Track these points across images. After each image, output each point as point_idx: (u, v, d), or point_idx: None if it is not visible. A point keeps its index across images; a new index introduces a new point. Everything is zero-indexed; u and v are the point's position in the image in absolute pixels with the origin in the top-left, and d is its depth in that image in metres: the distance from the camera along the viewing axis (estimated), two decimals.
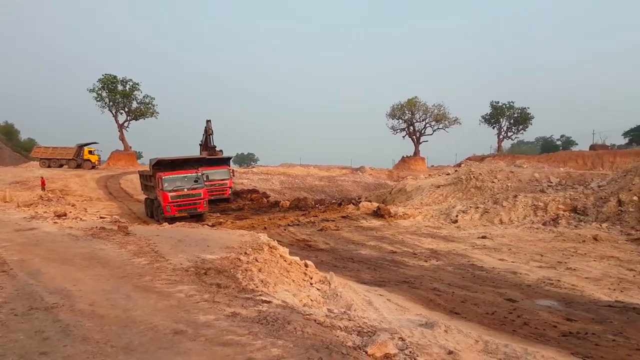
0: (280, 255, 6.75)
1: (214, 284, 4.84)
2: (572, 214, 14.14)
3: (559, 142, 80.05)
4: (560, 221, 13.66)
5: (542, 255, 9.82)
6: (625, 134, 59.99)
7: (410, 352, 3.46)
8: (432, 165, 55.64)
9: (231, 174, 24.51)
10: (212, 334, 3.27)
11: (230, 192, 24.07)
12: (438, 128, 57.29)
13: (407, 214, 16.78)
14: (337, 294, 5.88)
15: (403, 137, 58.72)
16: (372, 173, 44.04)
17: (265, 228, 14.37)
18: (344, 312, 4.86)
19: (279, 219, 16.71)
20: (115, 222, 10.49)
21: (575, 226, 13.18)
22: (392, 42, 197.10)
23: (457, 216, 15.76)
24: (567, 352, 4.24)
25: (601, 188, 15.34)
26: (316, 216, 17.31)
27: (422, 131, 58.07)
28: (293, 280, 6.08)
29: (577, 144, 70.99)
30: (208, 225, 14.50)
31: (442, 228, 14.58)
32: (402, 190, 22.76)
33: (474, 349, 3.98)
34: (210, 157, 24.64)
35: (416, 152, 57.20)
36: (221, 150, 28.39)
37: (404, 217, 16.41)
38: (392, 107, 57.55)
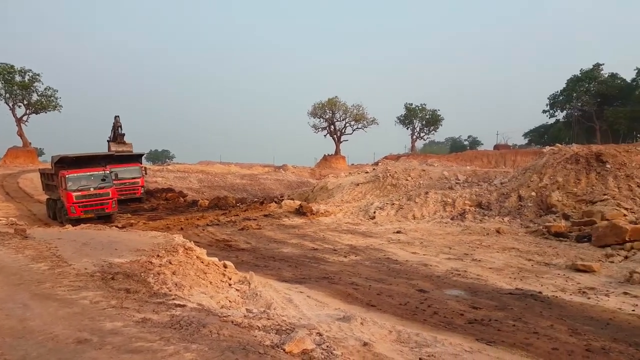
0: (197, 257, 6.53)
1: (122, 289, 4.56)
2: (477, 209, 15.20)
3: (466, 142, 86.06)
4: (467, 216, 14.63)
5: (450, 248, 10.47)
6: (525, 135, 65.93)
7: (327, 346, 3.51)
8: (353, 164, 57.13)
9: (143, 172, 23.33)
10: (120, 341, 3.07)
11: (142, 192, 22.94)
12: (357, 128, 58.93)
13: (328, 212, 17.06)
14: (256, 294, 5.81)
15: (324, 135, 59.65)
16: (294, 171, 44.21)
17: (181, 229, 13.85)
18: (264, 311, 4.81)
19: (197, 219, 16.20)
20: (12, 224, 9.53)
21: (481, 220, 14.18)
22: (317, 41, 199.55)
23: (374, 212, 16.30)
24: (473, 338, 4.54)
25: (503, 185, 16.66)
26: (237, 215, 17.02)
27: (343, 130, 59.38)
28: (210, 282, 5.91)
29: (482, 144, 76.82)
30: (117, 227, 13.68)
31: (361, 224, 15.00)
32: (323, 188, 23.09)
33: (387, 339, 4.13)
34: (119, 154, 23.28)
35: (337, 151, 58.39)
36: (131, 144, 27.01)
37: (326, 215, 16.66)
38: (314, 105, 58.18)
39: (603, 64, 50.63)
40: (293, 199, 20.96)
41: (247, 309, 4.87)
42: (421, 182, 19.97)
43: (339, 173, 29.97)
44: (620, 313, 5.76)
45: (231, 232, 13.59)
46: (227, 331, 3.51)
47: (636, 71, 47.35)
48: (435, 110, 62.72)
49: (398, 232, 12.97)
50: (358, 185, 21.25)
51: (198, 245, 7.09)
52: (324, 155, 57.50)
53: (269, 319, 4.31)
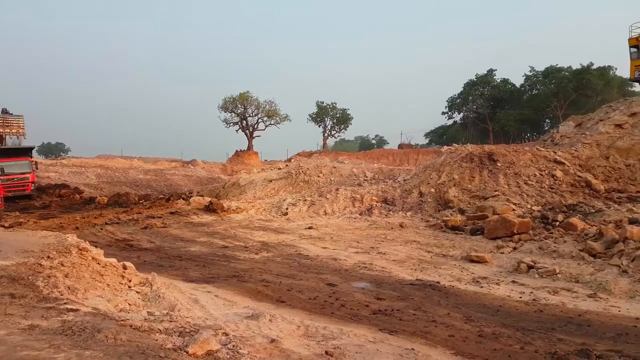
0: (93, 258, 6.03)
1: (6, 294, 4.08)
2: (383, 205, 15.88)
3: (374, 141, 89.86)
4: (373, 211, 15.21)
5: (358, 242, 10.81)
6: (426, 135, 70.36)
7: (233, 345, 3.42)
8: (266, 160, 56.88)
9: (34, 166, 21.29)
10: (2, 351, 2.73)
11: (33, 188, 20.91)
12: (270, 124, 58.70)
13: (240, 208, 16.79)
14: (159, 296, 5.50)
15: (236, 131, 58.65)
16: (204, 167, 42.88)
17: (77, 228, 12.78)
18: (167, 313, 4.59)
19: (95, 217, 15.06)
20: None
21: (386, 215, 14.82)
22: (229, 33, 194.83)
23: (287, 209, 16.35)
24: (377, 328, 4.71)
25: (406, 182, 17.58)
26: (140, 213, 16.10)
27: (255, 126, 58.80)
28: (108, 285, 5.49)
29: (388, 143, 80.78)
30: (4, 226, 12.28)
31: (274, 221, 14.96)
32: (235, 184, 22.69)
33: (295, 334, 4.13)
34: (6, 147, 21.04)
35: (250, 147, 57.74)
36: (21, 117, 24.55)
37: (237, 211, 16.37)
38: (224, 99, 56.92)
39: (496, 70, 55.62)
40: (202, 196, 20.34)
41: (148, 312, 4.61)
42: (332, 178, 20.40)
43: (251, 169, 29.65)
44: (509, 300, 6.33)
45: (133, 231, 12.81)
46: (124, 336, 3.28)
47: (524, 77, 52.63)
48: (346, 109, 64.56)
49: (310, 227, 13.12)
50: (271, 181, 21.17)
51: (95, 246, 6.57)
52: (236, 150, 56.59)
53: (171, 321, 4.11)
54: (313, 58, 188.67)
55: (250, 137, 58.08)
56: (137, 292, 5.62)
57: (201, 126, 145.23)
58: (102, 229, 12.91)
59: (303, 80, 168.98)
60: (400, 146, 57.54)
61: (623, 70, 33.70)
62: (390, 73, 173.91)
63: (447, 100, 58.52)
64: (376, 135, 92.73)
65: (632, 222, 10.12)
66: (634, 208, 12.24)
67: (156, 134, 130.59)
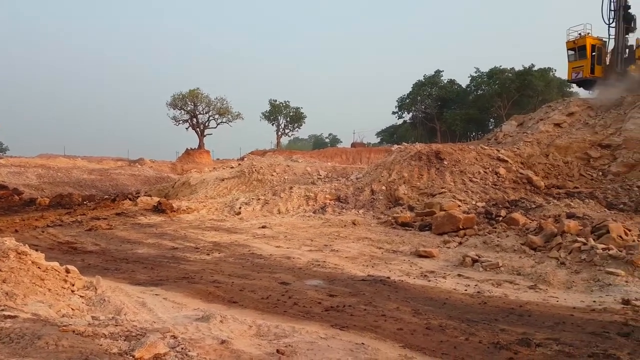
0: (33, 262, 5.71)
1: None
2: (336, 203, 16.05)
3: (327, 140, 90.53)
4: (327, 209, 15.34)
5: (312, 240, 10.86)
6: (378, 134, 71.78)
7: (182, 348, 3.36)
8: (218, 159, 55.96)
9: None
10: None
11: None
12: (222, 122, 57.73)
13: (190, 208, 16.43)
14: (104, 300, 5.30)
15: (186, 128, 57.28)
16: (152, 166, 41.55)
17: (16, 231, 12.05)
18: (112, 317, 4.43)
19: (36, 220, 14.25)
20: None
21: (339, 213, 14.98)
22: (176, 28, 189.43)
23: (240, 208, 16.17)
24: (328, 325, 4.76)
25: (359, 180, 17.85)
26: (84, 214, 15.41)
27: (206, 124, 57.65)
28: (49, 289, 5.22)
29: (342, 142, 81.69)
30: None
31: (226, 220, 14.75)
32: (186, 183, 22.18)
33: (247, 334, 4.10)
34: None
35: (201, 145, 56.55)
36: None
37: (188, 212, 16.01)
38: (173, 96, 55.40)
39: (443, 71, 57.47)
40: (150, 196, 19.75)
41: (92, 317, 4.43)
42: (286, 177, 20.37)
43: (202, 168, 29.05)
44: (455, 293, 6.57)
45: (77, 233, 12.23)
46: (67, 342, 3.15)
47: (470, 78, 54.70)
48: (299, 108, 64.62)
49: (263, 226, 13.03)
50: (223, 180, 20.86)
51: (36, 249, 6.20)
52: (187, 149, 55.21)
53: (117, 325, 3.97)
54: (269, 56, 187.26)
55: (201, 136, 56.84)
56: (80, 296, 5.39)
57: (149, 124, 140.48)
58: (43, 232, 12.24)
59: (256, 78, 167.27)
60: (353, 145, 58.33)
61: (562, 71, 35.70)
62: (345, 73, 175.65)
63: (397, 100, 59.85)
64: (330, 134, 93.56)
65: (569, 216, 10.79)
66: (571, 203, 13.05)
67: (101, 132, 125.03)
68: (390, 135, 66.98)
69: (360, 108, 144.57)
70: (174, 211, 15.77)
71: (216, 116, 56.81)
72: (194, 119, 56.52)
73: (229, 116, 56.98)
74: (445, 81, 56.95)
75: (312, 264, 8.34)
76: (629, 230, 8.83)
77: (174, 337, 3.56)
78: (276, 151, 48.23)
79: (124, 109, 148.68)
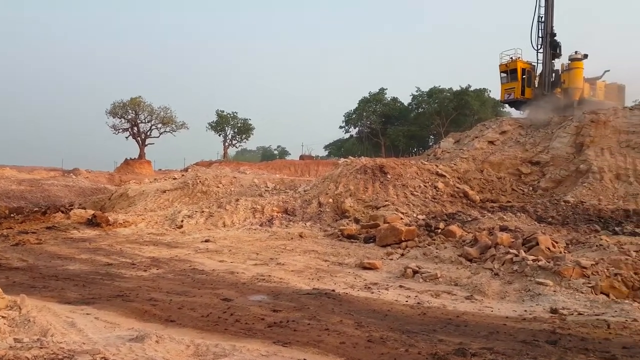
0: None
1: None
2: (284, 215, 15.98)
3: (276, 152, 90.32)
4: (274, 222, 15.23)
5: (257, 254, 10.71)
6: (326, 147, 72.65)
7: None
8: (160, 169, 54.19)
9: None
10: None
11: None
12: (165, 131, 56.07)
13: (128, 222, 15.72)
14: (29, 320, 4.92)
15: (126, 138, 55.09)
16: (88, 176, 39.45)
17: None
18: (37, 339, 4.13)
19: None
20: None
21: (286, 226, 14.91)
22: (115, 34, 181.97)
23: (182, 221, 15.69)
24: (271, 342, 4.68)
25: (306, 192, 17.90)
26: (11, 228, 14.35)
27: (148, 133, 55.75)
28: None
29: (290, 154, 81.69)
30: None
31: (167, 234, 14.24)
32: (123, 195, 21.22)
33: (184, 355, 3.95)
34: None
35: (141, 155, 54.51)
36: None
37: (125, 225, 15.30)
38: (113, 104, 53.21)
39: (387, 89, 59.50)
40: (85, 208, 18.70)
41: (15, 339, 4.12)
42: (232, 189, 20.04)
43: (143, 179, 27.98)
44: (397, 304, 6.69)
45: (1, 248, 11.34)
46: None
47: (411, 97, 57.00)
48: (247, 119, 64.19)
49: (207, 240, 12.69)
50: (165, 192, 20.17)
51: None
52: (126, 159, 52.99)
53: (42, 347, 3.71)
54: (218, 66, 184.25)
55: (142, 145, 54.80)
56: (2, 317, 4.97)
57: (86, 132, 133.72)
58: None
59: (203, 88, 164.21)
60: (302, 157, 58.60)
61: (496, 92, 37.83)
62: (294, 85, 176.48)
63: (344, 115, 61.18)
64: (278, 146, 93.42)
65: (502, 229, 11.39)
66: (504, 216, 13.77)
67: (33, 139, 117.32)
68: (337, 149, 68.02)
69: (310, 121, 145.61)
70: (110, 225, 15.03)
71: (159, 125, 55.11)
72: (135, 128, 54.48)
73: (173, 125, 55.46)
74: (389, 99, 59.01)
75: (257, 279, 8.21)
76: (556, 243, 9.42)
77: (105, 359, 3.37)
78: (223, 162, 47.39)
79: (58, 116, 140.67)
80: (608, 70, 26.28)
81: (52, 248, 11.57)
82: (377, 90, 58.88)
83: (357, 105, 59.43)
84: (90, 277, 8.38)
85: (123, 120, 53.95)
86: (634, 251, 8.69)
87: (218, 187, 20.06)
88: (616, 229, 12.49)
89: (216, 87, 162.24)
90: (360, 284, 7.94)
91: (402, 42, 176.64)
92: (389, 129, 55.84)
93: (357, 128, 61.61)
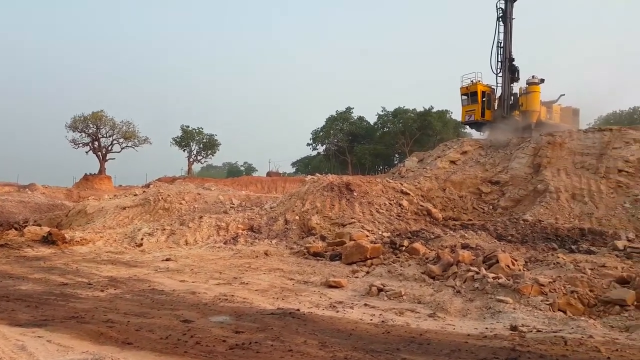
0: None
1: None
2: (249, 232, 15.79)
3: (242, 168, 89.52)
4: (239, 239, 15.01)
5: (220, 273, 10.49)
6: (293, 164, 72.71)
7: None
8: (121, 185, 52.80)
9: None
10: None
11: None
12: (127, 146, 54.81)
13: (85, 239, 15.15)
14: None
15: (87, 152, 53.50)
16: (45, 192, 37.89)
17: None
18: None
19: None
20: None
21: (252, 243, 14.73)
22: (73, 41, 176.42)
23: (142, 239, 15.27)
24: None
25: (272, 209, 17.78)
26: None
27: (109, 148, 54.34)
28: None
29: (257, 170, 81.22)
30: None
31: (126, 253, 13.79)
32: (81, 212, 20.49)
33: None
34: None
35: (102, 170, 52.99)
36: None
37: (82, 243, 14.75)
38: (73, 118, 51.75)
39: (353, 108, 60.60)
40: (40, 225, 17.94)
41: None
42: (196, 206, 19.69)
43: (102, 195, 27.12)
44: (361, 323, 6.67)
45: None
46: None
47: (377, 116, 58.19)
48: (213, 135, 63.63)
49: (168, 259, 12.35)
50: (125, 209, 19.60)
51: None
52: (85, 174, 51.31)
53: None
54: (182, 81, 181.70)
55: (103, 160, 53.27)
56: None
57: (44, 146, 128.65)
58: None
59: (168, 103, 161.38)
60: (269, 174, 58.42)
61: (457, 114, 39.08)
62: (262, 102, 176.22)
63: (311, 133, 61.65)
64: (245, 163, 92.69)
65: (464, 247, 11.62)
66: (465, 234, 14.07)
67: None
68: (305, 166, 68.20)
69: (277, 138, 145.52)
70: (67, 242, 14.45)
71: (121, 140, 53.79)
72: (96, 143, 52.96)
73: (135, 140, 54.27)
74: (355, 117, 59.98)
75: (219, 299, 8.02)
76: (516, 260, 9.67)
77: None
78: (187, 178, 46.53)
79: (13, 128, 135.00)
80: (563, 94, 27.77)
81: (3, 267, 10.98)
82: (344, 109, 59.86)
83: (324, 123, 60.14)
84: (43, 297, 7.98)
85: (83, 135, 52.47)
86: (589, 269, 8.97)
87: (181, 203, 19.67)
88: (572, 247, 12.86)
89: (182, 102, 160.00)
90: (325, 303, 7.89)
91: (369, 61, 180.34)
92: (355, 147, 56.66)
93: (324, 145, 62.18)
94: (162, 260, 12.19)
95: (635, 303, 7.11)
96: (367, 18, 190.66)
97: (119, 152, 54.62)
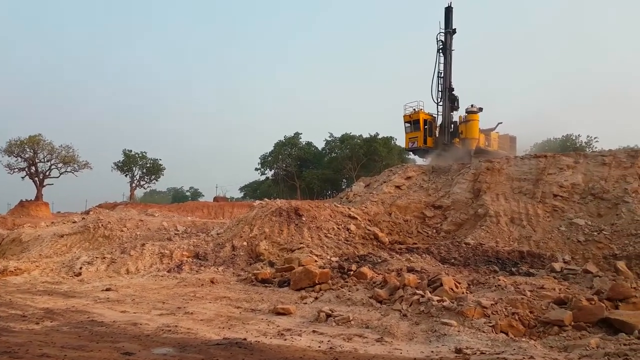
0: None
1: None
2: (194, 260, 15.40)
3: (188, 193, 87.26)
4: (184, 267, 14.60)
5: (164, 303, 10.14)
6: (241, 189, 71.85)
7: None
8: (59, 212, 50.15)
9: None
10: None
11: None
12: (66, 171, 52.27)
13: (20, 269, 14.29)
14: None
15: (22, 177, 50.51)
16: None
17: None
18: None
19: None
20: None
21: (197, 271, 14.36)
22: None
23: (81, 268, 14.54)
24: None
25: (219, 235, 17.47)
26: None
27: (47, 173, 51.58)
28: None
29: (203, 195, 79.48)
30: None
31: (63, 283, 13.07)
32: (16, 240, 19.26)
33: None
34: None
35: (39, 197, 50.11)
36: None
37: (17, 273, 13.92)
38: (9, 142, 48.95)
39: (302, 133, 61.26)
40: None
41: None
42: (138, 233, 19.00)
43: (39, 222, 25.56)
44: (309, 350, 6.64)
45: None
46: None
47: (325, 142, 59.15)
48: (157, 159, 61.93)
49: (108, 289, 11.79)
50: (63, 236, 18.61)
51: None
52: (21, 200, 48.28)
53: None
54: (127, 105, 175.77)
55: (40, 186, 50.37)
56: None
57: None
58: None
59: (109, 129, 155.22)
60: (216, 199, 57.27)
61: (401, 140, 40.45)
62: (209, 126, 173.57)
63: (260, 157, 61.48)
64: (191, 187, 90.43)
65: (409, 270, 11.93)
66: (411, 258, 14.45)
67: None
68: (253, 191, 67.59)
69: (225, 163, 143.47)
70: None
71: (59, 165, 51.19)
72: (33, 167, 50.08)
73: (75, 165, 51.82)
74: (304, 143, 60.62)
75: (162, 330, 7.74)
76: (459, 283, 10.04)
77: None
78: (129, 204, 44.82)
79: None
80: (501, 123, 29.62)
81: None
82: (292, 135, 60.37)
83: (272, 148, 60.19)
84: None
85: (19, 159, 49.60)
86: (528, 291, 9.36)
87: (122, 231, 18.93)
88: (512, 269, 13.37)
89: (126, 127, 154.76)
90: (273, 331, 7.81)
91: (318, 88, 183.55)
92: (304, 171, 57.01)
93: (272, 170, 62.05)
94: (102, 290, 11.63)
95: (573, 323, 7.53)
96: (315, 46, 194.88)
97: (57, 177, 52.02)
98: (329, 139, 58.48)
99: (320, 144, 60.60)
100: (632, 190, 17.01)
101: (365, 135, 55.38)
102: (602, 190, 17.58)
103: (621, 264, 13.40)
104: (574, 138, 52.08)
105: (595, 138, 51.47)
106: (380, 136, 54.43)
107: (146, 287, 12.26)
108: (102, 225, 19.03)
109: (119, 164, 59.45)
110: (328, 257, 14.57)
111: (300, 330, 7.83)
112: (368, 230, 17.40)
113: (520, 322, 7.75)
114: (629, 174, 17.83)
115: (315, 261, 13.75)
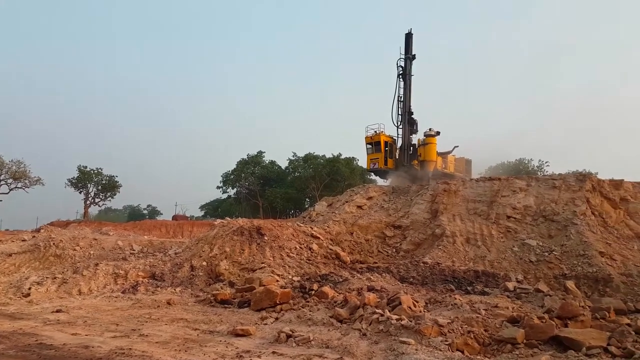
0: None
1: None
2: (151, 280, 14.94)
3: (145, 211, 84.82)
4: (139, 288, 14.13)
5: (117, 325, 9.78)
6: (202, 207, 70.54)
7: None
8: (7, 229, 47.44)
9: None
10: None
11: None
12: (16, 187, 49.93)
13: None
14: None
15: None
16: None
17: None
18: None
19: None
20: None
21: (153, 292, 13.93)
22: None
23: (30, 289, 13.82)
24: None
25: (177, 255, 17.07)
26: None
27: None
28: None
29: (162, 214, 77.51)
30: None
31: (10, 304, 12.39)
32: None
33: None
34: None
35: None
36: None
37: None
38: None
39: (265, 152, 61.13)
40: None
41: None
42: (92, 252, 18.31)
43: None
44: None
45: None
46: None
47: (288, 161, 59.22)
48: (113, 176, 60.06)
49: (58, 310, 11.26)
50: (11, 255, 17.68)
51: None
52: None
53: None
54: (75, 120, 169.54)
55: None
56: None
57: None
58: None
59: (63, 144, 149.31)
60: (175, 217, 55.85)
61: (363, 161, 41.13)
62: (166, 143, 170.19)
63: (222, 176, 60.75)
64: (148, 206, 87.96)
65: (369, 289, 12.02)
66: (371, 277, 14.58)
67: None
68: (214, 209, 66.44)
69: (185, 180, 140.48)
70: None
71: (9, 180, 48.79)
72: None
73: (26, 181, 49.52)
74: (267, 161, 60.48)
75: (115, 353, 7.47)
76: (417, 302, 10.21)
77: None
78: (82, 222, 43.03)
79: None
80: (457, 146, 30.68)
81: None
82: (256, 153, 60.13)
83: (235, 167, 59.68)
84: None
85: None
86: (483, 309, 9.62)
87: (75, 250, 18.21)
88: (468, 288, 13.70)
89: (83, 143, 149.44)
90: (231, 353, 7.67)
91: (281, 107, 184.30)
92: (267, 190, 56.70)
93: (235, 189, 61.38)
94: (52, 312, 11.09)
95: (525, 341, 7.78)
96: (282, 67, 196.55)
97: (6, 193, 49.51)
98: (292, 158, 58.77)
99: (283, 163, 60.74)
100: (581, 212, 17.83)
101: (329, 155, 56.06)
102: (552, 213, 18.36)
103: (570, 284, 14.01)
104: (526, 162, 54.48)
105: (546, 162, 54.16)
106: (342, 156, 55.17)
107: (99, 308, 11.79)
108: (53, 243, 18.22)
109: (73, 180, 57.28)
110: (290, 277, 14.50)
111: (260, 352, 7.73)
112: (330, 249, 17.48)
113: (476, 340, 7.92)
114: (577, 197, 18.73)
115: (277, 281, 13.65)
